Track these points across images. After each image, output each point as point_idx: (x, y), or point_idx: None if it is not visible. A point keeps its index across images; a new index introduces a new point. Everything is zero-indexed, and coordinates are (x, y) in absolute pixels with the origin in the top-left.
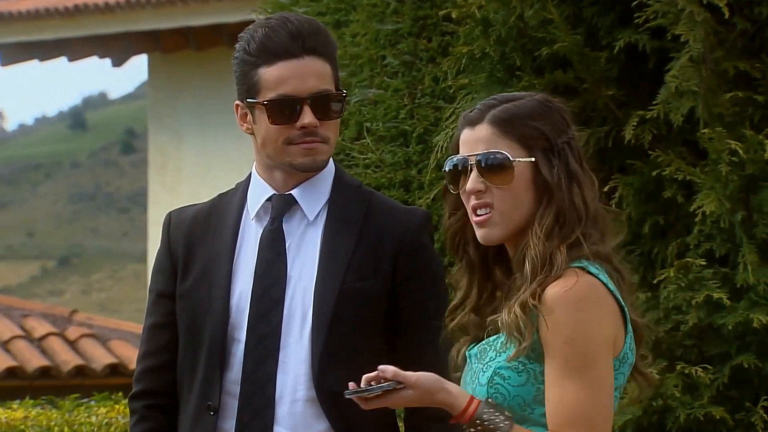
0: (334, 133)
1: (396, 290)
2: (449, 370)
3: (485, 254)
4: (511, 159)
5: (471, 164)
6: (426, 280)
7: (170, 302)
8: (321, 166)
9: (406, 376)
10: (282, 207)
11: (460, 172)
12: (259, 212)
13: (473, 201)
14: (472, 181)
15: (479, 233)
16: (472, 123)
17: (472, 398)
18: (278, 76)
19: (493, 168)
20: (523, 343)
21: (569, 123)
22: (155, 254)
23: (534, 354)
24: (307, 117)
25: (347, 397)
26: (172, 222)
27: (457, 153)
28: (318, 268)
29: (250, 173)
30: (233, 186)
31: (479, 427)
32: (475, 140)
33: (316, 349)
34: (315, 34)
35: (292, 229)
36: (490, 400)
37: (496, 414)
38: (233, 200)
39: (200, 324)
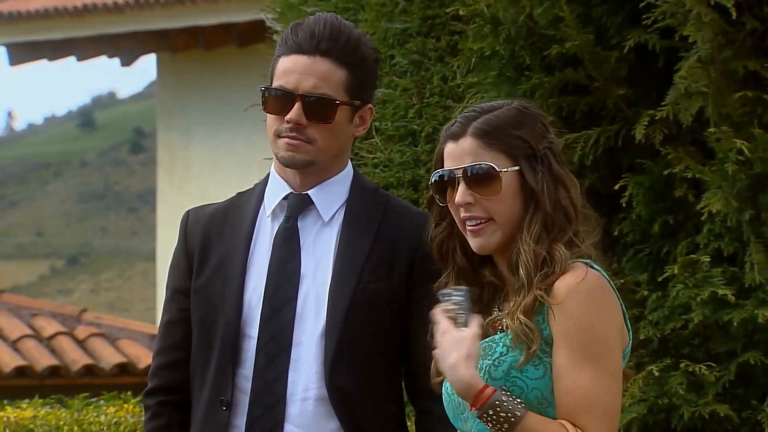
0: (324, 137)
1: (410, 294)
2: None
3: (472, 259)
4: (498, 170)
5: (458, 177)
6: None
7: (185, 298)
8: (301, 165)
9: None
10: (297, 206)
11: (446, 184)
12: (275, 210)
13: (463, 213)
14: (461, 194)
15: (475, 242)
16: (455, 136)
17: (486, 384)
18: (284, 68)
19: (480, 180)
20: (532, 347)
21: (548, 127)
22: (164, 253)
23: (549, 348)
24: (293, 113)
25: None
26: (189, 219)
27: (442, 167)
28: (333, 267)
29: (269, 172)
30: (240, 184)
31: (494, 412)
32: (460, 153)
33: (328, 348)
34: (335, 39)
35: (306, 229)
36: (503, 387)
37: (512, 399)
38: (251, 198)
39: (213, 319)
